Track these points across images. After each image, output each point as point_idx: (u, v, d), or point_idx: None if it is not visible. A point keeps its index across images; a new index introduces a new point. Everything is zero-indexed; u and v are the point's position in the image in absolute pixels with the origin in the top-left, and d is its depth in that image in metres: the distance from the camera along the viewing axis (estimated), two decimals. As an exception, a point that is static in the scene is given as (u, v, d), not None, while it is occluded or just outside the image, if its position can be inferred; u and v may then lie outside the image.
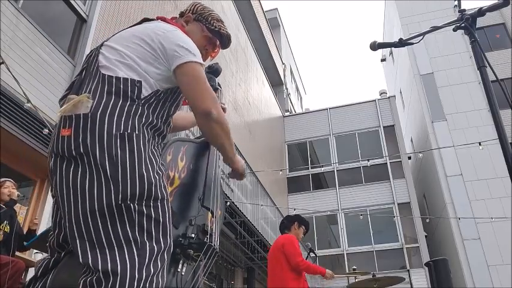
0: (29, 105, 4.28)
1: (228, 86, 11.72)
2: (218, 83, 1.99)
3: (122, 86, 1.32)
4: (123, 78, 1.34)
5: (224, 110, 1.95)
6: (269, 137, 15.93)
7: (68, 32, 5.94)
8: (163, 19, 1.57)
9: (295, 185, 16.90)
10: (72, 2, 5.82)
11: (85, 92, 1.33)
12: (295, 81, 24.72)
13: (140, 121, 1.32)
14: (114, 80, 1.33)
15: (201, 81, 1.41)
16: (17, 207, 3.50)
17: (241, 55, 13.68)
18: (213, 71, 1.98)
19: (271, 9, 21.32)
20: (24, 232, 3.71)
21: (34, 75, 4.87)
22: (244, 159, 9.53)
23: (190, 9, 1.68)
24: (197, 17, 1.67)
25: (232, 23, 13.01)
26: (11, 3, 4.71)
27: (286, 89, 20.85)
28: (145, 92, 1.35)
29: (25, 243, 3.60)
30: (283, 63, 20.61)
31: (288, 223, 4.13)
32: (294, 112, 21.57)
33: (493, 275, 12.61)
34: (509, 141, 1.43)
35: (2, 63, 4.07)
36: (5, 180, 3.60)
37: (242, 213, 8.89)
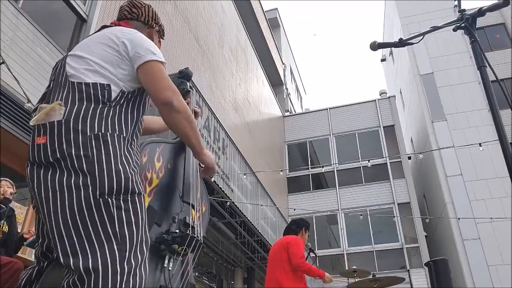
0: (29, 105, 4.28)
1: (228, 86, 11.72)
2: (190, 85, 2.04)
3: (91, 91, 1.36)
4: (92, 83, 1.37)
5: (196, 113, 2.01)
6: (269, 137, 15.92)
7: (68, 31, 5.93)
8: (118, 24, 1.64)
9: (295, 185, 16.90)
10: (72, 2, 5.82)
11: (56, 101, 1.35)
12: (295, 81, 24.72)
13: (113, 121, 1.35)
14: (83, 86, 1.37)
15: (161, 75, 1.45)
16: (16, 207, 3.46)
17: (241, 55, 13.68)
18: (184, 75, 2.04)
19: (271, 9, 21.32)
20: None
21: (34, 75, 4.87)
22: (244, 159, 9.53)
23: (152, 17, 1.75)
24: (157, 27, 1.77)
25: (232, 23, 13.00)
26: (11, 3, 4.71)
27: (286, 89, 20.85)
28: (114, 94, 1.39)
29: (25, 243, 3.58)
30: (283, 63, 20.61)
31: (296, 229, 4.16)
32: (294, 112, 21.56)
33: (493, 275, 12.61)
34: (509, 141, 1.43)
35: (2, 63, 4.07)
36: (0, 180, 3.54)
37: (242, 213, 8.88)
